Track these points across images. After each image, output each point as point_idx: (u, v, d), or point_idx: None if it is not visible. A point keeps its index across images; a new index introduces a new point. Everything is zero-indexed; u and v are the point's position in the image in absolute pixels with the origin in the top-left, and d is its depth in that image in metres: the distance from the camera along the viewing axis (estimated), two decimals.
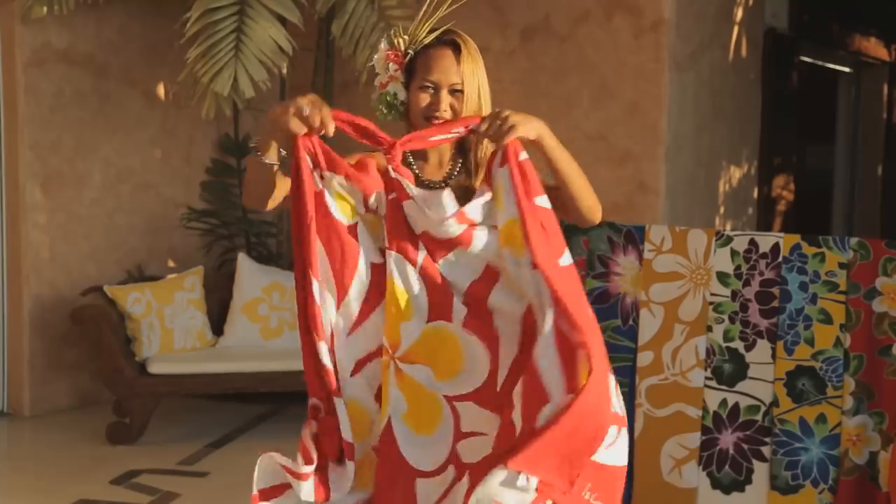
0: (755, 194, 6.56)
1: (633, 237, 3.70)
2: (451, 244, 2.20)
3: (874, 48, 7.94)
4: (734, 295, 3.53)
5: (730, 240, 3.55)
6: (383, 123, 2.30)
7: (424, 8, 2.35)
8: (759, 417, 3.50)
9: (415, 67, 2.32)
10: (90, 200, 5.91)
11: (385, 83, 2.34)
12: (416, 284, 2.19)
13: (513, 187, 2.17)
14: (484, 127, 2.22)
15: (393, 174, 2.21)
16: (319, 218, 2.17)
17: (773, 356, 3.46)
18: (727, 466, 3.54)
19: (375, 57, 2.37)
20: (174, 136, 6.31)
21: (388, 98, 2.33)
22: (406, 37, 2.33)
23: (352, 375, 2.21)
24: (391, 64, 2.32)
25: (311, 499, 2.18)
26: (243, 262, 5.70)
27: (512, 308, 2.19)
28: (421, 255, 2.21)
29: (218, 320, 5.67)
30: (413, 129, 2.31)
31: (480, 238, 2.21)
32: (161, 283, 5.59)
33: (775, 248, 3.48)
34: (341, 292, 2.19)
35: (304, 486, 2.17)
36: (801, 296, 3.43)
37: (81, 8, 5.61)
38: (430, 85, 2.29)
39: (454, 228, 2.19)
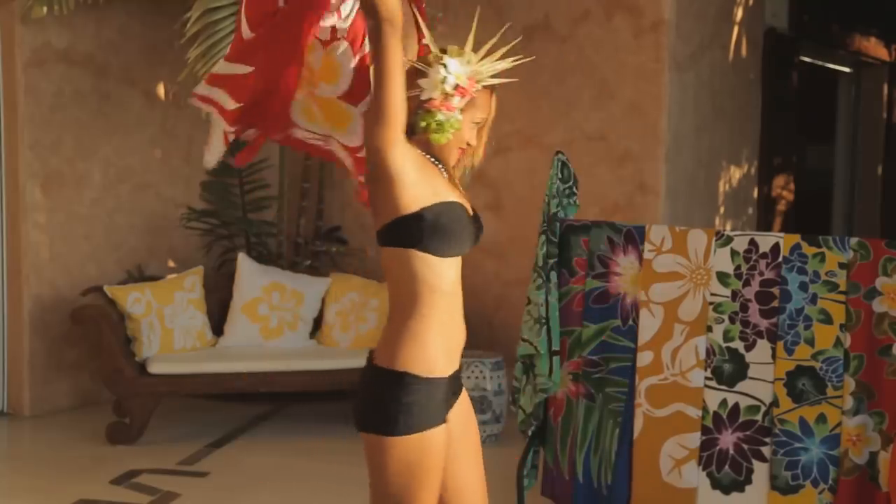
0: (755, 194, 6.56)
1: (633, 237, 3.70)
2: None
3: (874, 48, 7.93)
4: (734, 295, 3.53)
5: (730, 240, 3.55)
6: None
7: (488, 47, 2.46)
8: (759, 417, 3.49)
9: (471, 102, 2.46)
10: (90, 200, 5.91)
11: (439, 107, 2.40)
12: None
13: None
14: None
15: None
16: None
17: (773, 356, 3.46)
18: (727, 466, 3.54)
19: (434, 78, 2.39)
20: (174, 136, 6.31)
21: (453, 123, 2.41)
22: (468, 72, 2.42)
23: None
24: (458, 97, 2.41)
25: None
26: (243, 262, 5.70)
27: None
28: None
29: (218, 320, 5.67)
30: (439, 151, 2.45)
31: None
32: (161, 283, 5.59)
33: (775, 248, 3.48)
34: None
35: None
36: (801, 296, 3.43)
37: (81, 8, 5.61)
38: (480, 123, 2.49)
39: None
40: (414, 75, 2.40)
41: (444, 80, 2.38)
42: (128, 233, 6.10)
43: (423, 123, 2.40)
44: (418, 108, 2.40)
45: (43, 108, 5.67)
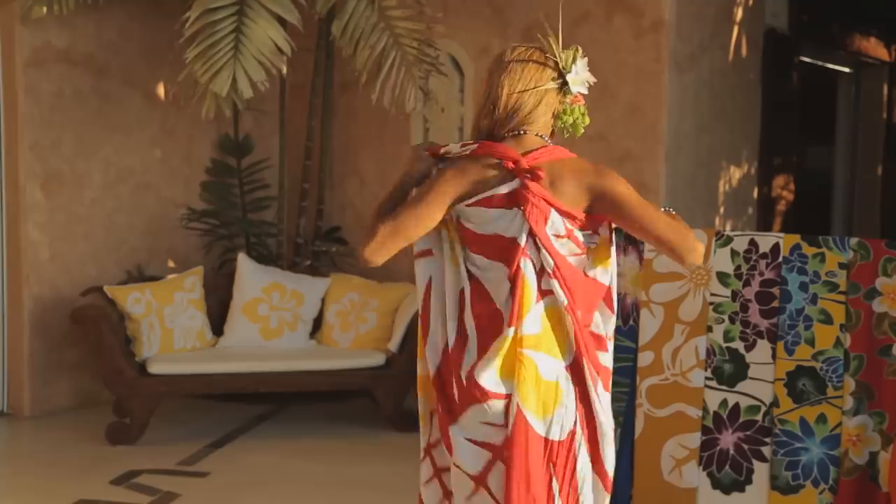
0: (755, 194, 6.56)
1: (634, 237, 3.69)
2: None
3: (874, 48, 7.93)
4: (734, 295, 3.53)
5: (730, 240, 3.55)
6: None
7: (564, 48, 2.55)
8: (759, 417, 3.50)
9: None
10: (90, 200, 5.91)
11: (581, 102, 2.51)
12: None
13: None
14: None
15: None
16: None
17: (774, 356, 3.46)
18: (727, 466, 3.54)
19: (587, 73, 2.52)
20: (174, 136, 6.31)
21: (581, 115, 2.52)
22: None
23: None
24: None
25: None
26: (243, 262, 5.70)
27: None
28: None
29: (218, 320, 5.68)
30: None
31: None
32: (161, 283, 5.59)
33: (775, 249, 3.48)
34: None
35: None
36: (801, 296, 3.43)
37: (81, 8, 5.62)
38: None
39: None
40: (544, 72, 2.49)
41: (587, 78, 2.51)
42: (128, 233, 6.10)
43: (571, 118, 2.50)
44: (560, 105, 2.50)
45: (43, 108, 5.67)
